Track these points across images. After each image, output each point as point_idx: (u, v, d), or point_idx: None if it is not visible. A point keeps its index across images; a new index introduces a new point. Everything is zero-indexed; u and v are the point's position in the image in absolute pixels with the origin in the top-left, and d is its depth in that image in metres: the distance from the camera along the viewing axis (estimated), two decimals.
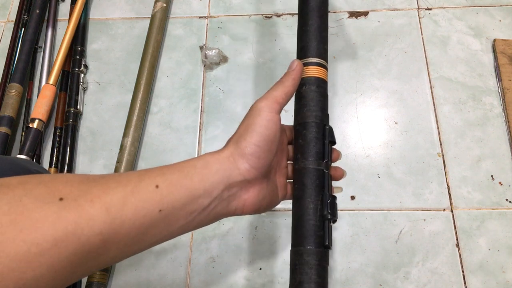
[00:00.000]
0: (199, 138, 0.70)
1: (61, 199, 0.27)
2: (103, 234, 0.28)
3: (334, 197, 0.40)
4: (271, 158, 0.37)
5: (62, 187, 0.28)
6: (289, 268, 0.38)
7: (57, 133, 0.70)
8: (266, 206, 0.39)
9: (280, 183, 0.42)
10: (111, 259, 0.30)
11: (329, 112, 0.74)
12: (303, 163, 0.40)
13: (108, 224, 0.28)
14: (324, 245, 0.37)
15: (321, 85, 0.42)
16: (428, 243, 0.61)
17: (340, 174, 0.44)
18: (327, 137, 0.41)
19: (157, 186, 0.31)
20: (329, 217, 0.38)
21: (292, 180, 0.42)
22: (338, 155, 0.44)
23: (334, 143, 0.41)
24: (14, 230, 0.25)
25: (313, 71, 0.42)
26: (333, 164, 0.43)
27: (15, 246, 0.24)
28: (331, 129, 0.41)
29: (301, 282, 0.36)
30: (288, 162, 0.44)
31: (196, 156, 0.68)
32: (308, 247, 0.37)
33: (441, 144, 0.67)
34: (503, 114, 0.68)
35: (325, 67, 0.43)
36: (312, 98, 0.41)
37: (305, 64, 0.43)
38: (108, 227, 0.28)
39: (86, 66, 0.76)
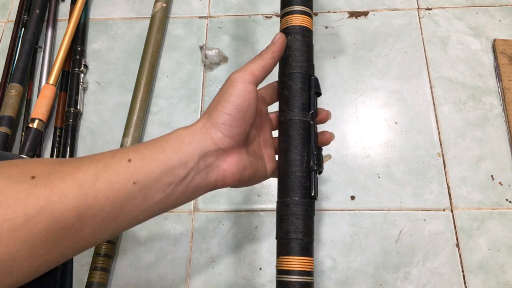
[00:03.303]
0: None
1: (33, 177, 0.28)
2: (76, 209, 0.28)
3: (320, 149, 0.40)
4: (246, 127, 0.37)
5: (34, 167, 0.29)
6: (276, 219, 0.39)
7: (57, 133, 0.70)
8: (249, 176, 0.39)
9: (267, 155, 0.41)
10: (90, 237, 0.30)
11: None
12: (289, 115, 0.39)
13: (81, 199, 0.28)
14: (310, 195, 0.38)
15: (306, 34, 0.41)
16: (428, 243, 0.61)
17: (328, 138, 0.43)
18: (313, 88, 0.40)
19: (129, 160, 0.31)
20: (315, 168, 0.38)
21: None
22: (328, 115, 0.43)
23: (320, 94, 0.41)
24: None
25: (298, 20, 0.41)
26: (320, 128, 0.42)
27: None
28: (316, 80, 0.41)
29: (287, 231, 0.37)
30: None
31: None
32: (295, 198, 0.37)
33: (441, 144, 0.67)
34: (503, 114, 0.68)
35: (310, 16, 0.42)
36: (297, 48, 0.40)
37: (290, 13, 0.41)
38: (81, 202, 0.28)
39: (86, 66, 0.76)
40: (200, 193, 0.36)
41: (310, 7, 0.42)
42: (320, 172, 0.39)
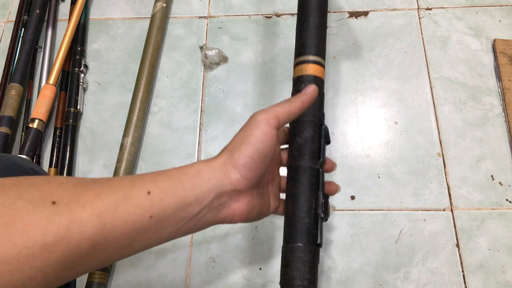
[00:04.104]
0: (199, 138, 0.70)
1: (53, 202, 0.27)
2: (93, 239, 0.28)
3: (327, 197, 0.41)
4: (263, 170, 0.37)
5: (55, 190, 0.29)
6: (280, 264, 0.39)
7: (57, 133, 0.70)
8: (255, 216, 0.40)
9: (272, 193, 0.42)
10: (99, 263, 0.30)
11: (329, 112, 0.75)
12: (300, 161, 0.40)
13: (98, 229, 0.28)
14: (316, 243, 0.39)
15: (319, 84, 0.43)
16: (428, 243, 0.61)
17: (334, 189, 0.44)
18: (323, 136, 0.41)
19: (148, 193, 0.31)
20: (322, 216, 0.39)
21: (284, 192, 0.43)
22: (333, 166, 0.45)
23: (329, 142, 0.42)
24: (6, 233, 0.25)
25: (312, 69, 0.43)
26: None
27: (6, 249, 0.25)
28: (326, 129, 0.42)
29: (293, 278, 0.37)
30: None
31: (195, 156, 0.69)
32: (302, 244, 0.38)
33: (441, 144, 0.67)
34: (503, 114, 0.68)
35: (323, 66, 0.44)
36: None
37: (304, 62, 0.43)
38: (99, 233, 0.28)
39: (86, 66, 0.76)
40: (207, 227, 0.36)
41: (324, 58, 0.43)
42: (326, 220, 0.40)
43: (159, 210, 0.32)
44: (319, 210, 0.39)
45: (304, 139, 0.41)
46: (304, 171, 0.40)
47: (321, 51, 0.44)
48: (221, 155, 0.36)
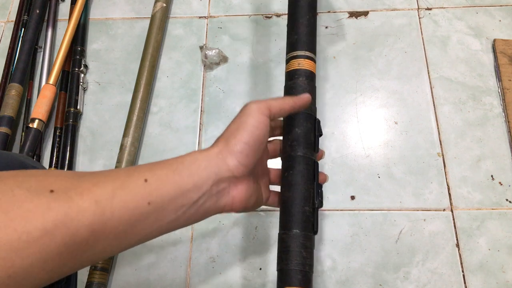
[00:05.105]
0: (199, 138, 0.70)
1: (51, 191, 0.28)
2: (92, 225, 0.28)
3: (321, 186, 0.42)
4: (258, 157, 0.38)
5: (52, 180, 0.29)
6: (278, 250, 0.40)
7: (57, 133, 0.70)
8: (253, 204, 0.40)
9: (264, 184, 0.43)
10: (101, 253, 0.31)
11: (329, 112, 0.75)
12: (299, 151, 0.41)
13: (97, 216, 0.29)
14: (313, 230, 0.40)
15: (312, 77, 0.44)
16: (428, 243, 0.61)
17: (324, 179, 0.46)
18: (316, 129, 0.43)
19: (145, 180, 0.32)
20: (317, 204, 0.41)
21: (274, 185, 0.44)
22: (322, 154, 0.47)
23: (321, 135, 0.44)
24: (5, 219, 0.25)
25: (305, 64, 0.44)
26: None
27: (6, 235, 0.25)
28: (319, 122, 0.43)
29: (296, 263, 0.38)
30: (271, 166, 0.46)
31: None
32: (302, 231, 0.39)
33: (441, 144, 0.67)
34: (503, 114, 0.68)
35: (315, 61, 0.45)
36: (308, 90, 0.43)
37: (297, 57, 0.44)
38: (98, 219, 0.29)
39: (86, 66, 0.76)
40: (208, 216, 0.37)
41: (315, 53, 0.45)
42: (320, 208, 0.42)
43: (157, 197, 0.32)
44: (316, 200, 0.40)
45: (303, 130, 0.42)
46: (302, 160, 0.41)
47: (313, 47, 0.45)
48: (216, 144, 0.37)
